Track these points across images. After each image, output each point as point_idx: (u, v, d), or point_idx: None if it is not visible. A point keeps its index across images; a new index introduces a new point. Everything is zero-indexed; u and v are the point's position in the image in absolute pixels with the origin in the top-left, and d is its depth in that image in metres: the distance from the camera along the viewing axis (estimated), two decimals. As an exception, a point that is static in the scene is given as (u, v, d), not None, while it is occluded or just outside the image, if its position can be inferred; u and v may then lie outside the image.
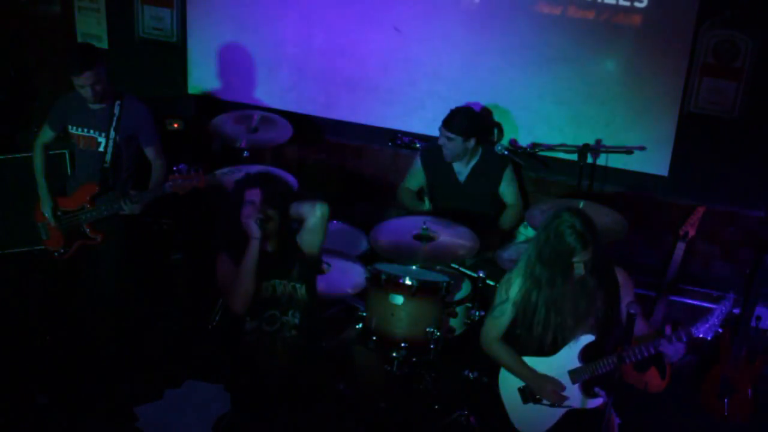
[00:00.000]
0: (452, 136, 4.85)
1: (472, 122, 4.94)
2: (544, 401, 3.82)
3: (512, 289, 3.80)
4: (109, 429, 4.28)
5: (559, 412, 3.81)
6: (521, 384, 3.86)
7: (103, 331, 4.79)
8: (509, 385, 3.90)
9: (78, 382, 4.51)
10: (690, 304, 5.15)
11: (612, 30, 5.01)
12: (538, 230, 3.82)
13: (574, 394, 3.78)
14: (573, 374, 3.77)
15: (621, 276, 3.83)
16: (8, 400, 4.37)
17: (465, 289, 4.58)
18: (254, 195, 3.78)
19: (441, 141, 4.90)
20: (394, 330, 4.30)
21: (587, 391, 3.78)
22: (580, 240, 3.57)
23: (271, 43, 5.70)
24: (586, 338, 3.74)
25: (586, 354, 3.75)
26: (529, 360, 3.81)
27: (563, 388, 3.77)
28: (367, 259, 4.73)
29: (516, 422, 3.90)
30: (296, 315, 3.89)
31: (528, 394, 3.85)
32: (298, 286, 3.89)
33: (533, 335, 3.78)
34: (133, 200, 4.50)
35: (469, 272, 4.62)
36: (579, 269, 3.63)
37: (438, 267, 4.61)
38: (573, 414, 3.81)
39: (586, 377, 3.75)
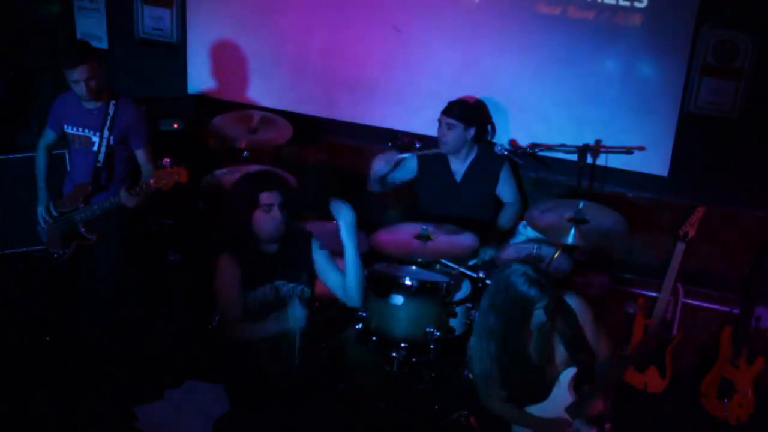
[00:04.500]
0: (453, 122, 4.86)
1: (471, 110, 5.00)
2: None
3: (477, 366, 3.79)
4: (109, 429, 4.28)
5: None
6: None
7: (103, 330, 4.79)
8: None
9: (78, 382, 4.51)
10: (690, 304, 5.15)
11: (612, 30, 5.01)
12: (490, 284, 3.82)
13: (577, 429, 3.76)
14: (570, 410, 3.76)
15: (573, 302, 3.80)
16: (8, 400, 4.37)
17: (465, 289, 4.57)
18: (272, 198, 3.75)
19: (441, 132, 4.90)
20: (394, 330, 4.30)
21: (588, 421, 3.75)
22: (537, 288, 3.56)
23: (271, 43, 5.70)
24: (569, 372, 3.73)
25: (576, 386, 3.75)
26: (529, 409, 3.81)
27: (571, 424, 3.76)
28: (367, 259, 4.72)
29: None
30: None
31: None
32: (306, 289, 3.88)
33: (518, 387, 3.79)
34: (133, 189, 4.48)
35: (469, 272, 4.61)
36: (540, 316, 3.62)
37: (438, 267, 4.61)
38: None
39: (581, 408, 3.74)
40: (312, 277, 3.96)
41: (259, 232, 3.78)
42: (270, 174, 3.91)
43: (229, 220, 3.88)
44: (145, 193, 4.45)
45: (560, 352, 3.76)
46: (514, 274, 3.62)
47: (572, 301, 3.80)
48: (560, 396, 3.76)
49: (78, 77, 4.45)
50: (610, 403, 3.73)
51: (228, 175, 4.95)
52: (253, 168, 4.97)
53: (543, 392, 3.78)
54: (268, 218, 3.76)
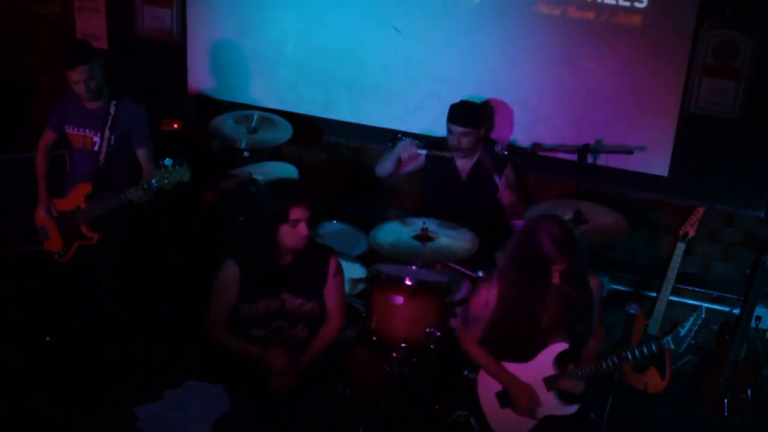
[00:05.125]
0: (468, 130, 4.86)
1: (479, 112, 5.00)
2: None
3: (476, 303, 3.81)
4: (109, 429, 4.28)
5: (539, 418, 3.80)
6: (499, 388, 3.86)
7: (103, 330, 4.79)
8: (488, 388, 3.90)
9: (78, 382, 4.51)
10: (690, 304, 5.15)
11: (612, 30, 5.01)
12: (516, 234, 3.80)
13: (549, 402, 3.77)
14: (548, 381, 3.76)
15: (594, 283, 3.81)
16: (8, 400, 4.37)
17: (465, 289, 4.57)
18: (301, 213, 3.66)
19: (454, 140, 4.88)
20: (394, 330, 4.30)
21: (563, 398, 3.77)
22: (558, 248, 3.54)
23: (271, 43, 5.70)
24: (560, 346, 3.73)
25: (560, 361, 3.74)
26: (507, 365, 3.82)
27: (538, 403, 3.76)
28: (367, 259, 4.72)
29: (494, 426, 3.90)
30: (305, 329, 3.88)
31: (506, 399, 3.84)
32: (315, 306, 3.87)
33: (508, 340, 3.79)
34: (135, 188, 4.47)
35: (469, 272, 4.61)
36: (555, 278, 3.61)
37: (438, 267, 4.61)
38: (549, 419, 3.79)
39: (559, 384, 3.74)
40: (322, 293, 3.93)
41: (281, 245, 3.73)
42: (300, 187, 3.78)
43: (249, 228, 3.79)
44: (147, 192, 4.45)
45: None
46: (541, 227, 3.57)
47: (593, 280, 3.80)
48: (543, 364, 3.75)
49: (77, 78, 4.45)
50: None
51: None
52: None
53: (528, 354, 3.77)
54: (292, 233, 3.67)
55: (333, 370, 4.15)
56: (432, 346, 4.27)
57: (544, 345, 3.75)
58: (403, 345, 4.27)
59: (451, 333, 4.43)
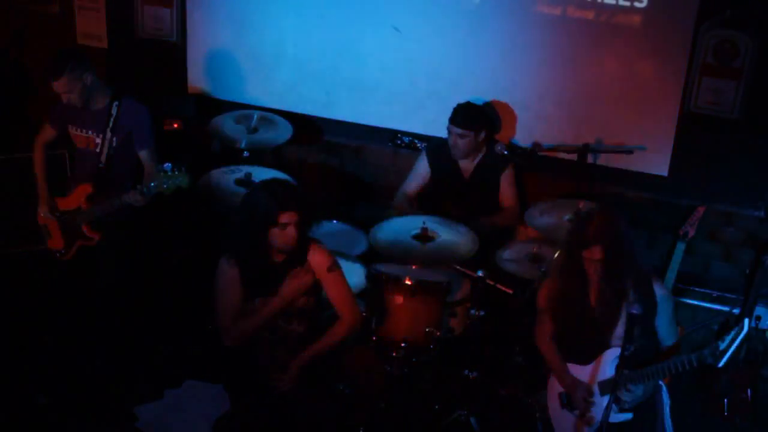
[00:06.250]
0: (464, 132, 4.86)
1: (480, 115, 4.99)
2: (575, 411, 3.82)
3: (541, 295, 3.87)
4: (109, 429, 4.28)
5: (593, 424, 3.78)
6: (561, 389, 3.88)
7: (103, 330, 4.79)
8: (553, 388, 3.93)
9: (78, 382, 4.51)
10: (690, 304, 5.15)
11: (612, 30, 5.01)
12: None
13: (602, 406, 3.71)
14: (602, 386, 3.77)
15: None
16: (8, 400, 4.37)
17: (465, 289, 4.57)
18: (290, 217, 3.68)
19: (452, 140, 4.89)
20: (394, 330, 4.30)
21: (617, 404, 3.70)
22: (594, 233, 3.55)
23: (271, 43, 5.70)
24: (615, 351, 3.70)
25: (617, 366, 3.69)
26: (569, 366, 3.84)
27: (592, 395, 3.76)
28: (367, 259, 4.72)
29: (555, 426, 3.94)
30: (302, 324, 3.89)
31: (564, 400, 3.86)
32: (310, 300, 3.87)
33: (569, 337, 3.81)
34: (134, 192, 4.46)
35: (469, 272, 4.61)
36: (590, 267, 3.60)
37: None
38: (607, 429, 3.71)
39: (614, 388, 3.70)
40: (319, 288, 3.94)
41: (272, 247, 3.76)
42: (290, 190, 3.79)
43: (241, 230, 3.79)
44: (144, 196, 4.43)
45: (622, 324, 3.70)
46: (589, 217, 3.63)
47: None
48: (599, 369, 3.75)
49: (56, 90, 4.47)
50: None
51: (228, 174, 4.94)
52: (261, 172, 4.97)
53: (589, 357, 3.77)
54: (281, 235, 3.71)
55: (333, 370, 4.15)
56: (432, 346, 4.27)
57: (604, 347, 3.74)
58: (403, 345, 4.27)
59: (451, 333, 4.44)
